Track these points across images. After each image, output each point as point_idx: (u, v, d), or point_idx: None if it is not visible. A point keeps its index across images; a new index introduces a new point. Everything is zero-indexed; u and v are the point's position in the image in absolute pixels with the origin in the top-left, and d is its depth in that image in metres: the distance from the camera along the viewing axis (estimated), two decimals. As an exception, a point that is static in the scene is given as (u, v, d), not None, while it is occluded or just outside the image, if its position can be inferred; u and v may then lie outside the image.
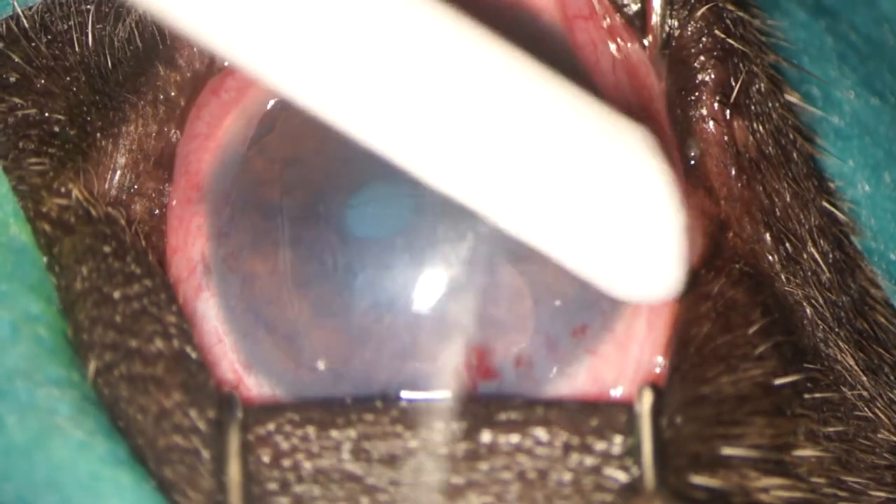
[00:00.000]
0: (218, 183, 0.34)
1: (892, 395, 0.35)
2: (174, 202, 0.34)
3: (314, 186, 0.33)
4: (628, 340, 0.33)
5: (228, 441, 0.31)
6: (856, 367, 0.35)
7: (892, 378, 0.36)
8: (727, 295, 0.33)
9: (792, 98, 0.37)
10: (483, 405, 0.31)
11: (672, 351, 0.33)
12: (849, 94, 0.38)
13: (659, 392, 0.32)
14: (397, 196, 0.33)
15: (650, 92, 0.36)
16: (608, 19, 0.36)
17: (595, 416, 0.31)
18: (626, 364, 0.33)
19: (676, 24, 0.36)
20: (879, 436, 0.35)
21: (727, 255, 0.34)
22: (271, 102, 0.35)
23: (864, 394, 0.35)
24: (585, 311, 0.33)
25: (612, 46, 0.35)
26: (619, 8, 0.36)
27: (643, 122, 0.35)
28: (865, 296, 0.36)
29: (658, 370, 0.33)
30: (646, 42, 0.36)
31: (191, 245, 0.34)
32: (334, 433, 0.31)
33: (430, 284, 0.32)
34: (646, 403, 0.31)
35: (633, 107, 0.35)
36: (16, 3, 0.34)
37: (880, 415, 0.35)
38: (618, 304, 0.33)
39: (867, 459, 0.34)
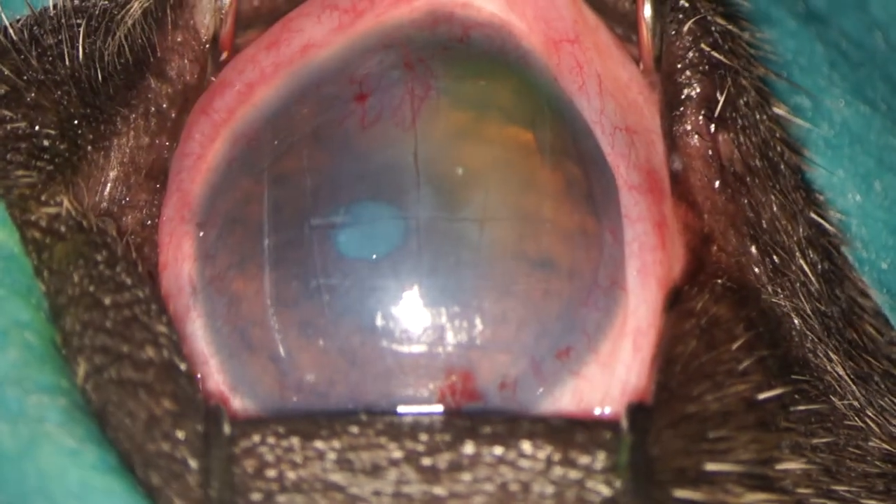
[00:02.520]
0: (207, 205, 0.34)
1: (882, 403, 0.35)
2: (165, 217, 0.35)
3: (301, 205, 0.33)
4: (613, 361, 0.33)
5: (215, 454, 0.31)
6: (846, 377, 0.35)
7: (882, 386, 0.36)
8: (711, 311, 0.33)
9: (780, 111, 0.37)
10: (468, 419, 0.32)
11: (658, 369, 0.33)
12: (839, 103, 0.38)
13: (647, 410, 0.32)
14: (384, 218, 0.33)
15: (640, 111, 0.36)
16: (597, 39, 0.36)
17: (580, 432, 0.31)
18: (612, 384, 0.33)
19: (665, 39, 0.36)
20: (870, 444, 0.35)
21: (710, 270, 0.34)
22: (259, 121, 0.35)
23: (855, 403, 0.35)
24: (570, 333, 0.33)
25: (600, 68, 0.35)
26: (611, 27, 0.36)
27: (630, 144, 0.35)
28: (854, 306, 0.36)
29: (645, 388, 0.33)
30: (640, 58, 0.36)
31: (180, 265, 0.34)
32: (318, 444, 0.31)
33: (414, 308, 0.33)
34: (630, 422, 0.32)
35: (618, 129, 0.35)
36: (2, 15, 0.34)
37: (871, 423, 0.35)
38: (602, 325, 0.33)
39: (858, 468, 0.34)
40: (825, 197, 0.37)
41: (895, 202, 0.37)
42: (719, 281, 0.34)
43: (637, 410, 0.32)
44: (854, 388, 0.35)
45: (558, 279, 0.33)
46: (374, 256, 0.33)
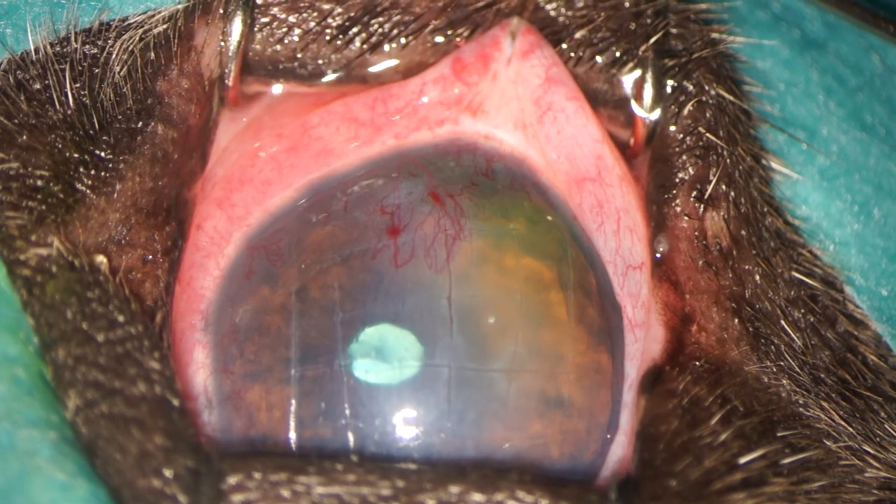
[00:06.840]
0: (222, 314, 0.35)
1: (881, 433, 0.35)
2: (175, 314, 0.35)
3: (331, 340, 0.34)
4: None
5: (204, 490, 0.31)
6: (841, 422, 0.34)
7: (882, 414, 0.35)
8: (692, 392, 0.34)
9: (773, 163, 0.36)
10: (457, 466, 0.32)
11: (643, 447, 0.34)
12: (835, 132, 0.37)
13: (632, 483, 0.33)
14: (416, 363, 0.34)
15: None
16: (622, 169, 0.36)
17: (569, 487, 0.32)
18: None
19: (664, 121, 0.36)
20: (867, 475, 0.34)
21: (689, 352, 0.34)
22: (279, 233, 0.35)
23: (852, 444, 0.34)
24: (574, 471, 0.34)
25: (621, 203, 0.35)
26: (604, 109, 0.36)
27: (641, 282, 0.35)
28: (850, 339, 0.36)
29: (629, 460, 0.34)
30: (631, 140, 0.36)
31: (193, 371, 0.35)
32: (307, 480, 0.31)
33: (433, 449, 0.34)
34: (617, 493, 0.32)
35: (631, 268, 0.35)
36: (-15, 58, 0.34)
37: (869, 458, 0.34)
38: (598, 463, 0.34)
39: (855, 499, 0.34)
40: (821, 227, 0.37)
41: (895, 229, 0.37)
42: (698, 363, 0.34)
43: (624, 482, 0.33)
44: (850, 428, 0.34)
45: (573, 419, 0.34)
46: (402, 401, 0.33)
